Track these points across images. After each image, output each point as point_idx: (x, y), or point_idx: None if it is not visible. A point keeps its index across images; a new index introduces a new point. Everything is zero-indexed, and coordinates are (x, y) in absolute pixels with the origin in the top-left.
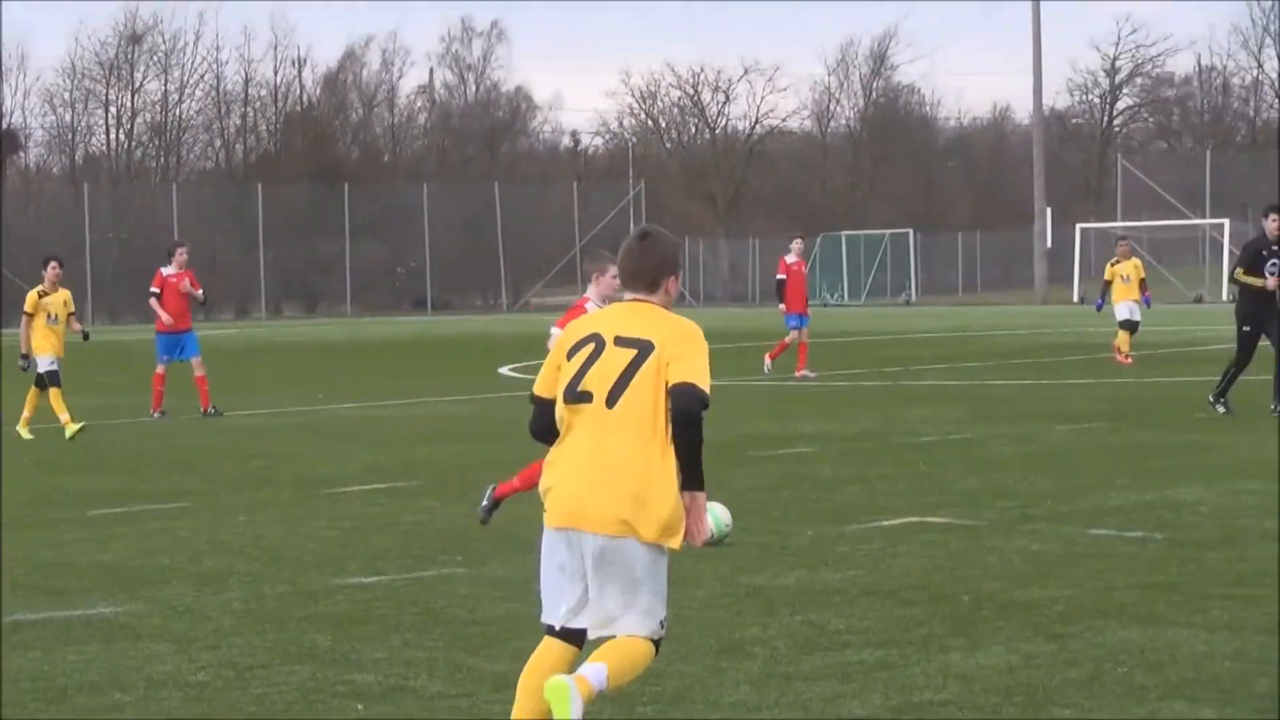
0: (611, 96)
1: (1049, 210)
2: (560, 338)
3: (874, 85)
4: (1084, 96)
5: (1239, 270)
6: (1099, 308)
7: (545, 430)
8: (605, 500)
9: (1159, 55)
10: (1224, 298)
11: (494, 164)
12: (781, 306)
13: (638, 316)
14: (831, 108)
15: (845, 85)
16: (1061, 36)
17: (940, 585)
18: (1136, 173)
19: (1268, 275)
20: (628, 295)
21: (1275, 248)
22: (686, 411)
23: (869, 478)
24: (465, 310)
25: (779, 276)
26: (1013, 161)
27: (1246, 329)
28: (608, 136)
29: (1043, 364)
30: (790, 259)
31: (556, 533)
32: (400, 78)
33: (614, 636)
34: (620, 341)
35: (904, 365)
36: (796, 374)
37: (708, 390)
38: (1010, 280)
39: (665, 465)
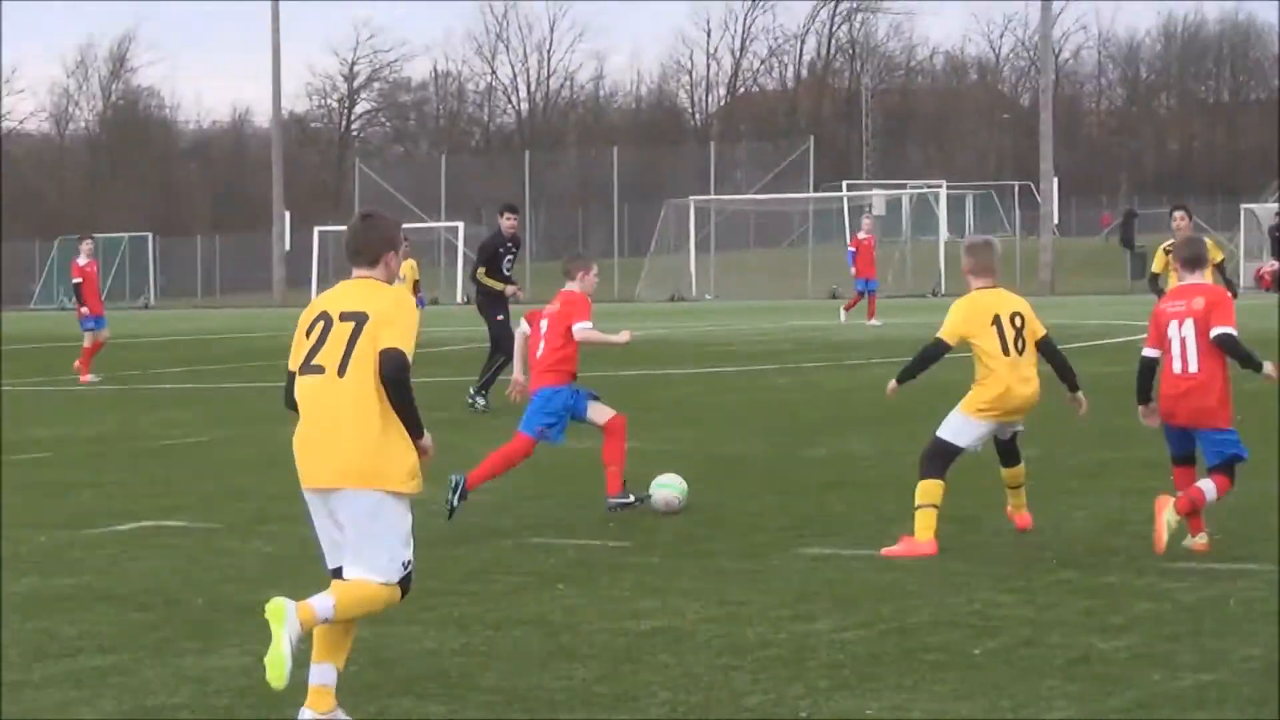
0: None
1: (288, 214)
2: (302, 316)
3: (113, 88)
4: (323, 100)
5: (480, 270)
6: None
7: (293, 404)
8: (338, 457)
9: (396, 60)
10: (459, 299)
11: None
12: (85, 309)
13: (358, 291)
14: (70, 110)
15: (84, 88)
16: (301, 40)
17: (175, 589)
18: (374, 176)
19: (505, 273)
20: (356, 272)
21: (511, 245)
22: (390, 374)
23: (103, 482)
24: None
25: (75, 279)
26: (253, 165)
27: (500, 318)
28: None
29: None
30: (81, 260)
31: (309, 492)
32: None
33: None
34: (344, 316)
35: (142, 369)
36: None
37: (409, 353)
38: (250, 283)
39: (386, 423)
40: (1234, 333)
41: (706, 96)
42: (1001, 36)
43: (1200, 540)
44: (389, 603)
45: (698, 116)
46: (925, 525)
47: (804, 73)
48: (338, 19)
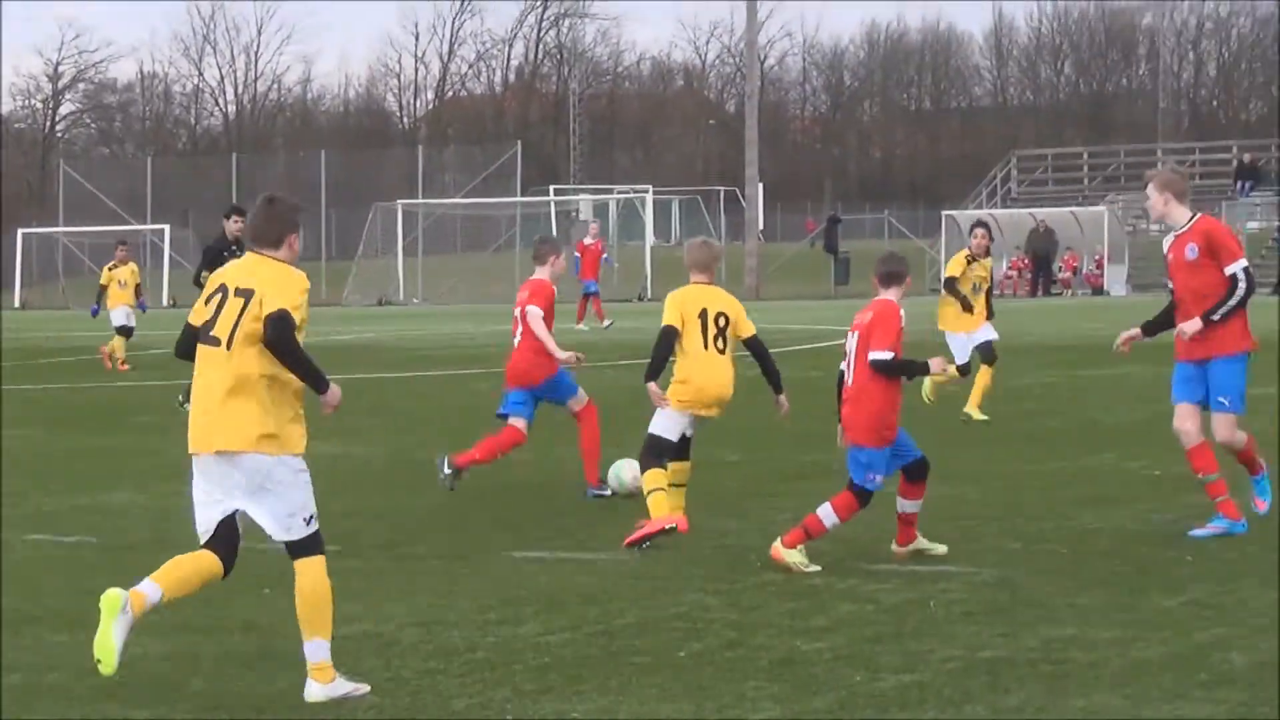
0: None
1: None
2: (208, 283)
3: None
4: (27, 101)
5: (204, 273)
6: (94, 313)
7: (187, 352)
8: (231, 426)
9: (102, 61)
10: (165, 302)
11: None
12: None
13: (255, 269)
14: None
15: None
16: (5, 41)
17: None
18: (78, 178)
19: None
20: (264, 251)
21: (235, 248)
22: (272, 336)
23: None
24: None
25: None
26: None
27: None
28: None
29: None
30: None
31: (205, 457)
32: None
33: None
34: (238, 292)
35: None
36: None
37: (294, 314)
38: None
39: (274, 390)
40: (884, 358)
41: (415, 100)
42: (707, 43)
43: (903, 550)
44: (321, 576)
45: (406, 120)
46: (658, 505)
47: (512, 77)
48: (43, 18)
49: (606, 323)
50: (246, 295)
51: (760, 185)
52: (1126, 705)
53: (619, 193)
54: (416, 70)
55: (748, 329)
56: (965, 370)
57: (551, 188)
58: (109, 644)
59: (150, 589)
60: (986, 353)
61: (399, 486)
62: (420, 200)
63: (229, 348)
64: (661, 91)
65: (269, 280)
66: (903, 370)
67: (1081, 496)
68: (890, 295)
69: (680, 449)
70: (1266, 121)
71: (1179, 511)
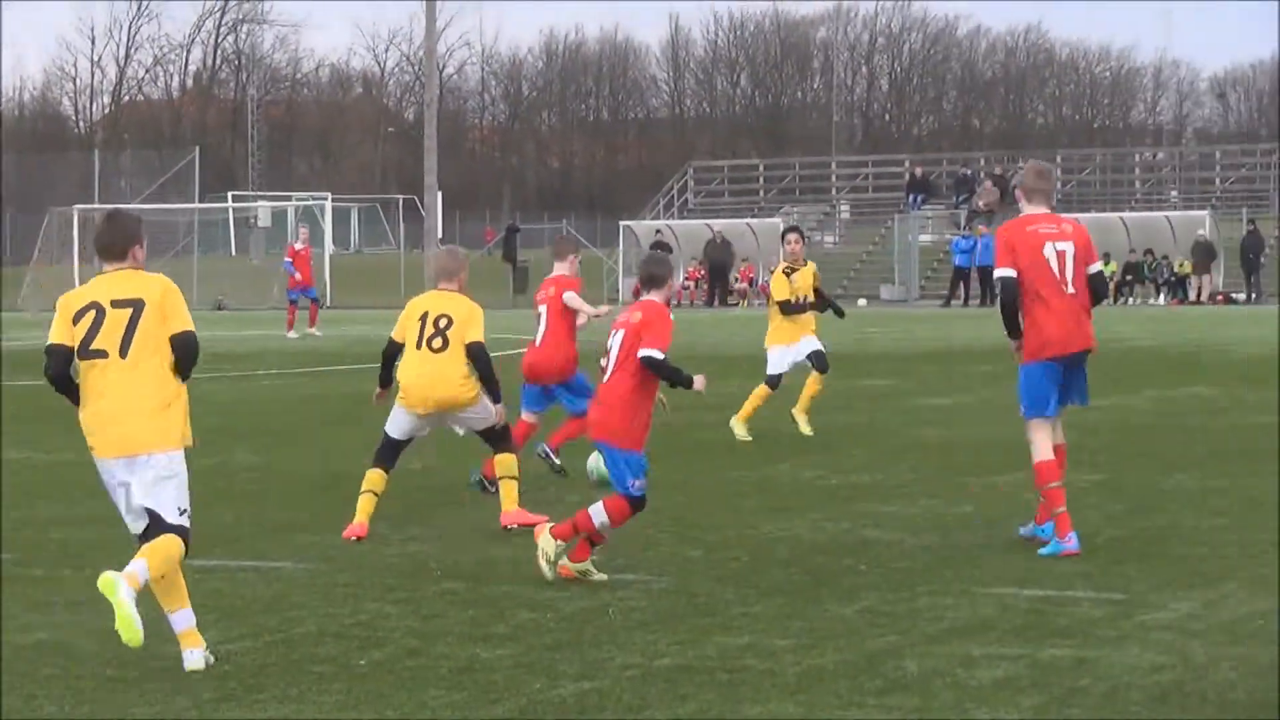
0: None
1: None
2: (63, 303)
3: None
4: None
5: None
6: None
7: (60, 374)
8: (133, 427)
9: None
10: None
11: None
12: None
13: (124, 281)
14: None
15: None
16: None
17: None
18: None
19: None
20: (108, 266)
21: None
22: (188, 356)
23: None
24: None
25: None
26: None
27: None
28: None
29: None
30: None
31: (107, 462)
32: None
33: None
34: (116, 304)
35: None
36: None
37: (194, 331)
38: None
39: (167, 390)
40: (657, 355)
41: (91, 104)
42: (387, 51)
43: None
44: (183, 551)
45: (82, 124)
46: (508, 497)
47: (189, 82)
48: None
49: (316, 331)
50: (134, 305)
51: (439, 194)
52: (802, 712)
53: (298, 200)
54: (93, 74)
55: (471, 335)
56: (775, 384)
57: (230, 194)
58: (127, 619)
59: (138, 567)
60: (819, 361)
61: (92, 499)
62: (96, 205)
63: (123, 355)
64: (340, 99)
65: (157, 293)
66: (672, 374)
67: (760, 506)
68: (654, 297)
69: (493, 440)
70: (937, 136)
71: (853, 520)
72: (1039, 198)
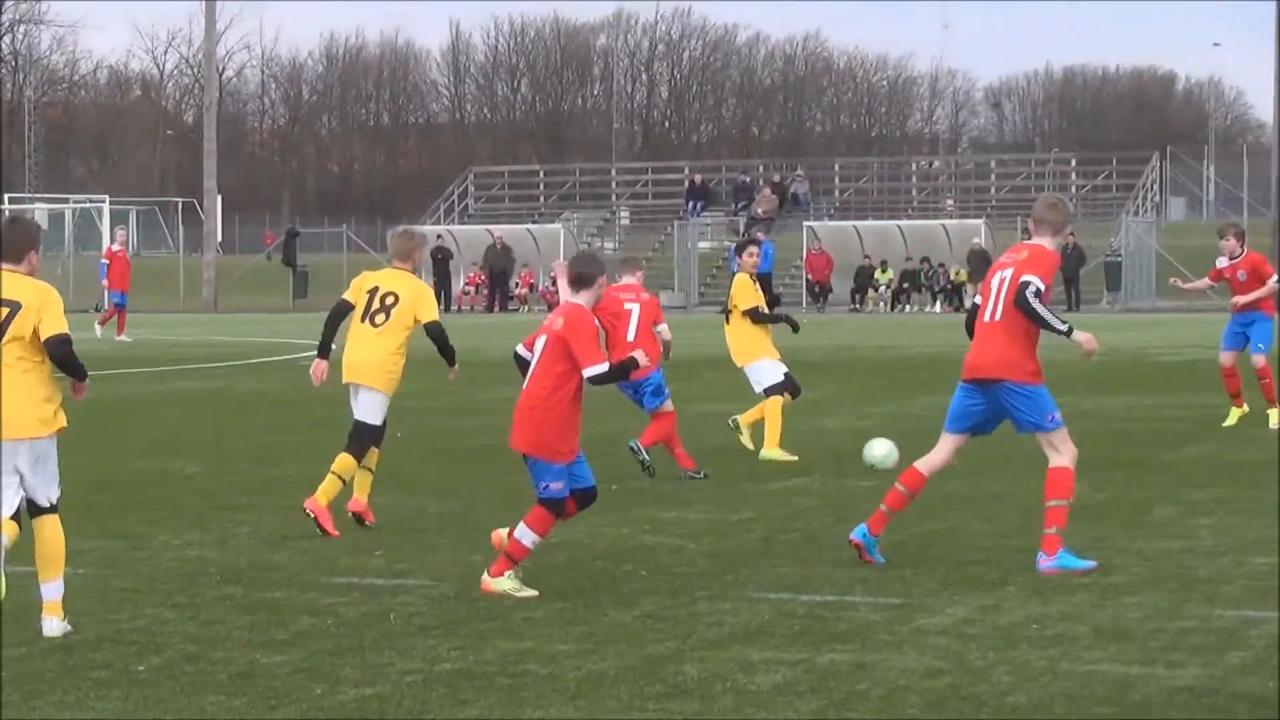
0: None
1: None
2: None
3: None
4: None
5: None
6: None
7: None
8: (11, 414)
9: None
10: None
11: None
12: None
13: (9, 283)
14: None
15: None
16: None
17: None
18: None
19: None
20: (7, 266)
21: None
22: (62, 357)
23: None
24: None
25: None
26: None
27: None
28: None
29: None
30: None
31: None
32: None
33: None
34: None
35: None
36: None
37: (67, 332)
38: None
39: (41, 381)
40: (599, 371)
41: None
42: (165, 53)
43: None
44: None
45: None
46: (324, 490)
47: None
48: None
49: (126, 337)
50: (11, 306)
51: (219, 197)
52: (583, 716)
53: (75, 202)
54: None
55: (426, 315)
56: (789, 388)
57: (6, 196)
58: None
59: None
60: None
61: None
62: None
63: None
64: (119, 101)
65: (34, 297)
66: (620, 375)
67: None
68: (582, 300)
69: (352, 436)
70: (717, 143)
71: (633, 526)
72: (1043, 229)
